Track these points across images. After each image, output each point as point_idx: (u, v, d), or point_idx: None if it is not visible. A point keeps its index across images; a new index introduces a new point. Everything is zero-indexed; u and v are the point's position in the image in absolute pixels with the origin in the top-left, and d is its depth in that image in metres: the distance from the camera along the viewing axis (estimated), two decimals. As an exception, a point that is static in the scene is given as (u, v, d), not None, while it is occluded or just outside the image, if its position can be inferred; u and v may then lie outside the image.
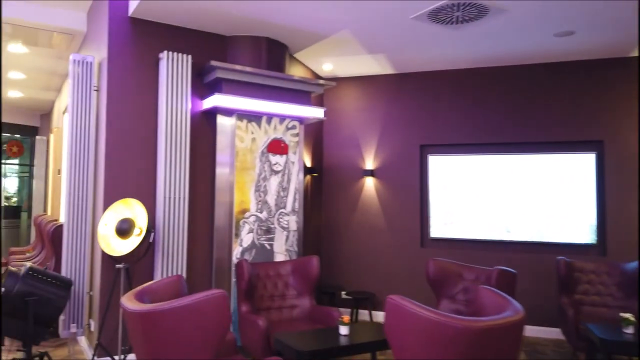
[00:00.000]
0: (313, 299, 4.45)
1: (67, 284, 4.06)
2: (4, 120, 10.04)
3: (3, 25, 5.44)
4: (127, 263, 4.00)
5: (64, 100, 7.54)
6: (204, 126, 4.69)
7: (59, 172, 6.73)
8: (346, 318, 3.45)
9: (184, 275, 4.30)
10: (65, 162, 4.53)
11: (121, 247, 3.93)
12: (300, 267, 4.53)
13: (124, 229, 3.94)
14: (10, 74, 7.41)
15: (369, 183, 6.12)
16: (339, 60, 5.75)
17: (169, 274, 4.24)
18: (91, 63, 4.59)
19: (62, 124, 6.88)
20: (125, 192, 4.27)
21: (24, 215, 10.49)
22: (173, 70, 4.37)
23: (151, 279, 4.31)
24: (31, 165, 10.35)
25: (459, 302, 4.23)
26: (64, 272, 4.37)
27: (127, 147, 4.34)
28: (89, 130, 4.54)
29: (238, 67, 4.55)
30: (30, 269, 3.91)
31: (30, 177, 10.47)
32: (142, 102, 4.42)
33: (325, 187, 6.33)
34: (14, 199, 11.04)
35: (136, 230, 3.95)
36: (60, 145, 7.62)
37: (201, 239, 4.60)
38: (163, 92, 4.34)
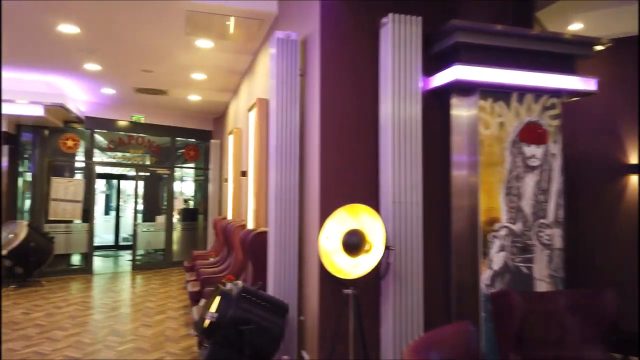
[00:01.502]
0: (607, 351, 3.07)
1: (283, 310, 3.30)
2: (183, 125, 10.36)
3: (186, 22, 5.10)
4: (355, 287, 3.08)
5: (244, 100, 7.20)
6: (431, 110, 3.60)
7: (244, 173, 6.32)
8: None
9: (421, 306, 3.26)
10: (271, 161, 3.84)
11: (349, 267, 3.02)
12: (582, 302, 3.17)
13: (352, 244, 3.03)
14: (193, 75, 7.30)
15: (635, 183, 4.46)
16: (597, 16, 4.25)
17: (402, 302, 3.23)
18: (296, 41, 3.84)
19: (246, 122, 6.46)
20: (343, 197, 3.39)
21: (200, 217, 10.74)
22: (400, 39, 3.36)
23: (378, 306, 3.36)
24: (206, 168, 10.53)
25: None
26: (271, 292, 3.65)
27: (343, 141, 3.46)
28: (294, 124, 3.79)
29: (485, 25, 3.39)
30: (244, 289, 3.22)
31: (206, 180, 10.67)
32: (360, 83, 3.51)
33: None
34: (191, 202, 11.44)
35: (367, 246, 3.02)
36: (240, 145, 7.30)
37: (434, 257, 3.52)
38: (387, 68, 3.37)
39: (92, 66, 6.82)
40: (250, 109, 5.86)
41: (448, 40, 3.44)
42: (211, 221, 9.78)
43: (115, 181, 13.79)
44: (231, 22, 5.11)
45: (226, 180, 8.42)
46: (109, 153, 10.33)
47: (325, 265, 3.10)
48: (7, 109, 7.52)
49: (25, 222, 7.90)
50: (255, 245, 4.47)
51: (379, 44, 3.50)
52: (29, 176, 9.02)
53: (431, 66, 3.63)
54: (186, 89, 8.23)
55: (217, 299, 3.19)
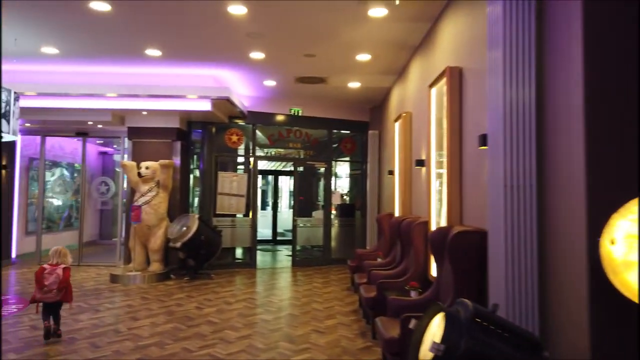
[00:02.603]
0: None
1: (533, 345, 2.30)
2: (339, 116, 9.86)
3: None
4: (671, 325, 1.95)
5: (415, 79, 6.30)
6: None
7: (421, 163, 5.41)
8: None
9: None
10: (491, 143, 2.87)
11: (662, 293, 1.90)
12: None
13: (668, 256, 1.91)
14: (357, 57, 6.63)
15: None
16: None
17: None
18: (528, -23, 2.80)
19: (422, 103, 5.55)
20: (621, 184, 2.27)
21: (357, 213, 10.15)
22: None
23: (692, 354, 2.16)
24: (364, 162, 9.89)
25: None
26: (500, 311, 2.67)
27: (618, 109, 2.33)
28: (529, 93, 2.77)
29: None
30: (477, 312, 2.30)
31: (363, 174, 10.04)
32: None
33: None
34: (346, 197, 10.94)
35: (695, 260, 1.86)
36: (411, 132, 6.42)
37: None
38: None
39: (256, 54, 6.57)
40: (432, 84, 4.93)
41: None
42: (371, 217, 9.09)
43: (270, 176, 14.04)
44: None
45: (391, 173, 7.61)
46: (266, 148, 10.32)
47: (614, 283, 2.03)
48: (178, 106, 7.73)
49: (196, 216, 8.10)
50: (457, 248, 3.53)
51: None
52: (197, 172, 9.36)
53: None
54: (347, 75, 7.63)
55: (438, 322, 2.33)
